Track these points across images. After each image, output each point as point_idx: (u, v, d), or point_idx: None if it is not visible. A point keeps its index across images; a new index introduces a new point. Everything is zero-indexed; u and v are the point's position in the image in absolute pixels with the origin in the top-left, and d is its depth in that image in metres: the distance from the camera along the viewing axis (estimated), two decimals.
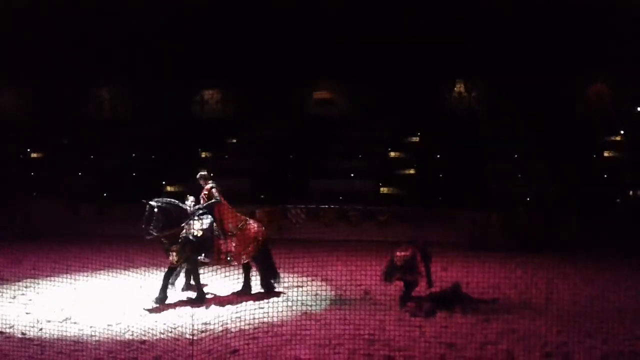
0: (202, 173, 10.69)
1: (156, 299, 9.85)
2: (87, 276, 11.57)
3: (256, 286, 10.78)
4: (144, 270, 11.36)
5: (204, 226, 10.10)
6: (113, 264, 11.61)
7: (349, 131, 22.42)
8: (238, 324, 8.62)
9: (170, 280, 10.75)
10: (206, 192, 10.41)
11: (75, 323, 8.90)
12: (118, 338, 8.21)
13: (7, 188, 19.78)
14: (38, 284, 10.93)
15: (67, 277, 11.39)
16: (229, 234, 10.23)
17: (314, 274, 11.75)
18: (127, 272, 12.29)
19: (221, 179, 20.45)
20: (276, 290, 10.69)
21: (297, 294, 10.40)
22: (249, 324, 8.69)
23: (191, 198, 11.16)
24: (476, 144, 21.27)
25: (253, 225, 10.62)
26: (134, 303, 9.94)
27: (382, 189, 20.12)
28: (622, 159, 20.57)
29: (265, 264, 10.71)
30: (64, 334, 8.34)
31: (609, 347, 7.83)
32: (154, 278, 11.01)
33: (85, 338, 8.19)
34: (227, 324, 8.63)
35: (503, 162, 20.17)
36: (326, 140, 22.44)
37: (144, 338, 8.17)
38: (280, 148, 22.43)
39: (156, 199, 10.18)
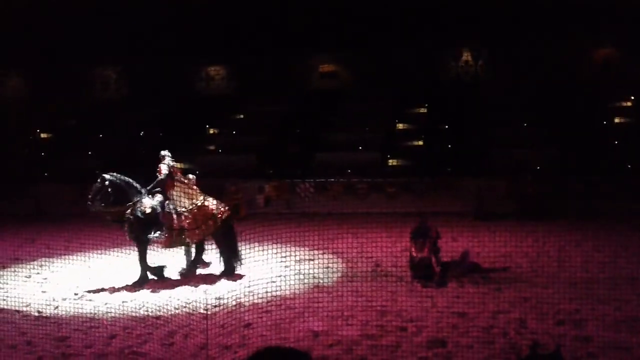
0: (162, 153, 10.54)
1: (140, 279, 9.87)
2: (100, 254, 11.65)
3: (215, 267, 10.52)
4: (155, 248, 11.45)
5: (154, 203, 10.04)
6: (124, 242, 11.69)
7: (354, 104, 22.29)
8: (251, 298, 8.70)
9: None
10: (159, 170, 10.38)
11: (90, 300, 9.03)
12: (133, 314, 8.31)
13: (17, 169, 19.89)
14: (52, 262, 11.05)
15: (80, 256, 11.48)
16: (182, 210, 10.04)
17: (324, 247, 11.78)
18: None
19: (228, 155, 20.74)
20: (236, 272, 10.28)
21: (308, 267, 10.43)
22: (262, 298, 8.76)
23: (192, 176, 11.22)
24: (482, 112, 21.10)
25: (212, 203, 10.35)
26: (148, 279, 10.04)
27: (389, 161, 20.06)
28: (633, 124, 20.35)
29: (224, 245, 10.36)
30: (80, 311, 8.46)
31: (621, 313, 7.85)
32: (166, 255, 11.13)
33: (101, 315, 8.29)
34: (240, 298, 8.70)
35: (509, 129, 20.01)
36: (331, 114, 22.34)
37: (158, 314, 8.26)
38: (285, 123, 22.35)
39: (111, 173, 10.21)
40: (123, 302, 8.81)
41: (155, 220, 9.97)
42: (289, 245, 11.33)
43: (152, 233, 9.97)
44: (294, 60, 23.44)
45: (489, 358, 6.51)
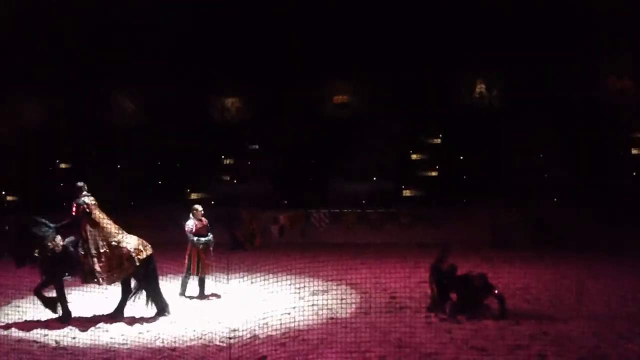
0: (78, 184, 10.09)
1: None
2: (116, 285, 11.68)
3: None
4: (170, 278, 11.46)
5: (65, 242, 9.72)
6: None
7: (368, 133, 22.39)
8: (265, 331, 8.66)
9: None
10: (73, 207, 9.94)
11: (106, 331, 9.01)
12: (149, 345, 8.28)
13: (35, 199, 20.07)
14: (69, 292, 11.05)
15: (97, 286, 11.51)
16: (95, 252, 9.58)
17: (339, 278, 11.78)
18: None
19: (243, 184, 20.91)
20: (165, 315, 9.73)
21: (323, 299, 10.39)
22: (277, 330, 8.72)
23: (199, 207, 11.25)
24: (497, 141, 21.09)
25: (130, 242, 9.80)
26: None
27: (403, 190, 20.08)
28: None
29: (146, 285, 9.86)
30: (96, 342, 8.44)
31: None
32: (179, 285, 11.15)
33: (117, 346, 8.27)
34: (254, 330, 8.67)
35: (526, 158, 19.97)
36: (345, 143, 22.46)
37: (174, 345, 8.23)
38: (300, 152, 22.49)
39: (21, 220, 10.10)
40: (139, 333, 8.80)
41: (67, 259, 9.64)
42: (303, 276, 11.36)
43: (66, 273, 9.72)
44: (307, 91, 23.65)
45: None
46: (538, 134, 20.87)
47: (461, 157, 21.28)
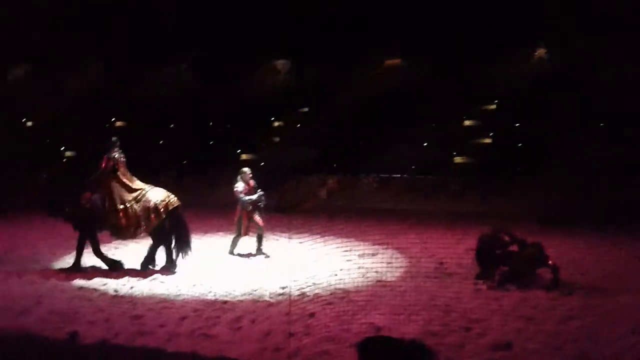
0: (112, 139, 10.46)
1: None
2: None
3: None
4: (222, 235, 11.79)
5: (94, 197, 10.01)
6: (194, 228, 12.08)
7: (421, 99, 22.07)
8: (314, 290, 8.85)
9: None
10: (105, 160, 10.28)
11: (162, 282, 9.39)
12: (202, 298, 8.59)
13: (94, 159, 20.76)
14: (127, 245, 11.50)
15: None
16: (121, 206, 9.92)
17: (387, 242, 11.85)
18: (206, 236, 12.85)
19: (293, 148, 21.05)
20: (177, 266, 10.05)
21: (370, 262, 10.50)
22: (325, 290, 8.90)
23: (247, 170, 11.41)
24: (554, 110, 20.43)
25: (156, 194, 10.09)
26: (215, 265, 10.36)
27: (455, 158, 19.83)
28: None
29: (172, 236, 10.14)
30: (152, 292, 8.82)
31: None
32: (231, 242, 11.44)
33: (172, 297, 8.61)
34: (303, 289, 8.86)
35: (585, 128, 19.28)
36: (398, 109, 22.21)
37: (225, 299, 8.51)
38: (351, 117, 22.39)
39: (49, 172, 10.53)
40: (193, 285, 9.13)
41: (95, 214, 9.98)
42: (351, 240, 11.48)
43: (96, 227, 10.08)
44: (360, 54, 23.37)
45: None
46: (599, 103, 20.06)
47: (517, 125, 20.72)
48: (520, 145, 19.58)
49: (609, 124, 19.73)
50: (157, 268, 10.16)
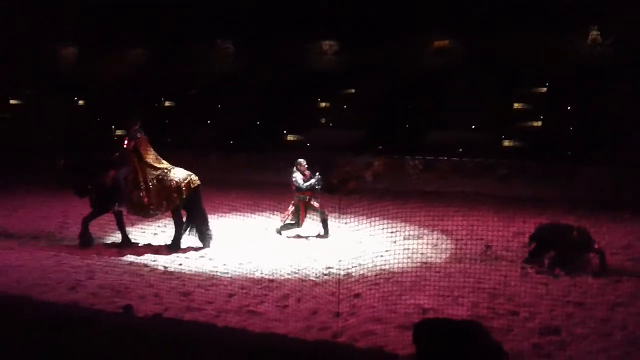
0: (133, 119, 10.63)
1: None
2: (217, 218, 12.31)
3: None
4: (269, 214, 11.94)
5: (116, 175, 10.24)
6: (240, 207, 12.28)
7: (469, 81, 21.66)
8: (359, 271, 8.91)
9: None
10: (127, 140, 10.48)
11: (210, 260, 9.61)
12: (249, 276, 8.76)
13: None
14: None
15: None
16: (143, 185, 10.09)
17: (432, 225, 11.79)
18: (253, 215, 13.02)
19: (339, 129, 21.01)
20: (210, 243, 10.30)
21: (416, 244, 10.47)
22: (370, 271, 8.94)
23: (303, 161, 11.47)
24: (608, 94, 19.77)
25: (178, 174, 10.28)
26: (262, 244, 10.53)
27: (503, 141, 19.44)
28: None
29: (191, 216, 10.34)
30: (201, 269, 9.04)
31: None
32: (279, 221, 11.58)
33: (220, 274, 8.81)
34: (349, 269, 8.92)
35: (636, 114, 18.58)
36: (445, 91, 21.88)
37: (272, 277, 8.65)
38: (397, 98, 22.19)
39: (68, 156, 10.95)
40: (240, 264, 9.31)
41: (117, 192, 10.21)
42: (396, 222, 11.44)
43: (116, 205, 10.28)
44: (406, 36, 23.08)
45: (605, 350, 6.28)
46: None
47: (568, 108, 20.12)
48: (571, 129, 19.02)
49: None
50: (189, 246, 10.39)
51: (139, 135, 10.47)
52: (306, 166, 11.50)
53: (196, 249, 10.22)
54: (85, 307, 6.90)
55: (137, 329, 4.39)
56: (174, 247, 10.23)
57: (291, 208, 11.43)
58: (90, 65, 25.01)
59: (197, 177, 10.45)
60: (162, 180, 10.20)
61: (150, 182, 10.20)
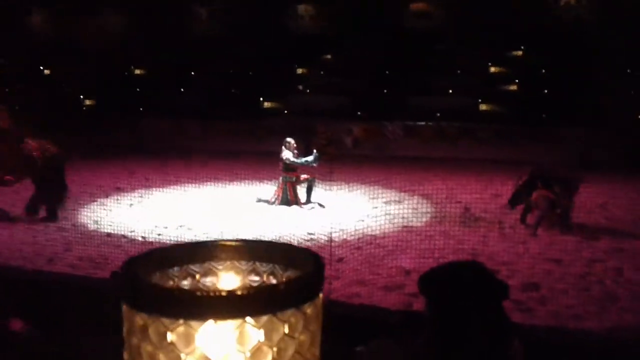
0: None
1: None
2: (196, 187, 12.22)
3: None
4: (248, 183, 11.87)
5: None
6: (219, 176, 12.20)
7: (448, 46, 21.60)
8: (341, 235, 8.91)
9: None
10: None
11: (189, 229, 9.53)
12: None
13: (115, 104, 20.90)
14: (152, 193, 11.67)
15: (178, 188, 12.10)
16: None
17: (413, 189, 11.83)
18: (232, 184, 12.96)
19: (318, 96, 20.87)
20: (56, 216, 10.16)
21: (397, 208, 10.50)
22: (352, 236, 8.96)
23: (291, 140, 11.34)
24: (586, 57, 19.88)
25: (29, 145, 10.19)
26: (241, 212, 10.47)
27: (482, 105, 19.49)
28: None
29: (45, 188, 10.20)
30: (181, 239, 8.95)
31: None
32: (258, 190, 11.54)
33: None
34: (331, 234, 8.92)
35: (614, 75, 18.75)
36: (423, 56, 21.79)
37: None
38: (376, 64, 22.07)
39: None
40: (221, 232, 9.24)
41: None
42: (377, 187, 11.47)
43: None
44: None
45: (584, 304, 6.40)
46: (630, 49, 19.43)
47: (543, 71, 20.21)
48: (547, 92, 19.14)
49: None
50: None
51: None
52: (295, 145, 11.37)
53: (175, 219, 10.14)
54: (70, 274, 6.84)
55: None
56: (28, 212, 10.21)
57: (278, 188, 11.28)
58: (60, 30, 24.28)
59: (55, 147, 10.35)
60: (16, 150, 10.18)
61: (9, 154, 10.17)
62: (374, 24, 22.35)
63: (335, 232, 9.03)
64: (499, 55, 21.41)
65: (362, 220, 9.82)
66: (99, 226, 9.77)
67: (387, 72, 21.60)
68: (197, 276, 1.04)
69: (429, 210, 10.72)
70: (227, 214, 10.35)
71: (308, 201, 11.27)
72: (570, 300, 6.48)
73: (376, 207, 10.66)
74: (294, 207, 11.05)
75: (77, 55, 22.77)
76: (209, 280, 1.05)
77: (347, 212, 10.35)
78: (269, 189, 11.67)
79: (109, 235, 9.35)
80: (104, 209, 10.66)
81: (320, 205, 11.13)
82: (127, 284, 0.93)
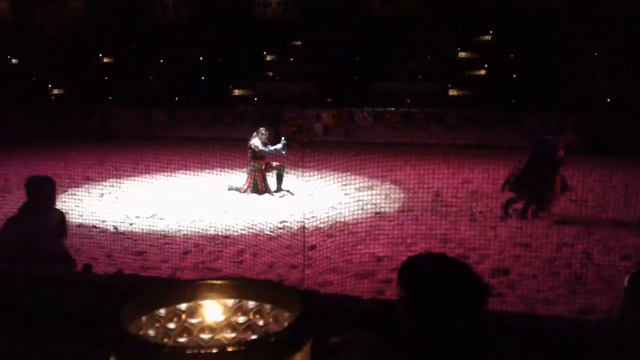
0: None
1: None
2: (167, 176, 12.08)
3: None
4: (219, 171, 11.77)
5: None
6: (190, 164, 12.08)
7: (415, 31, 21.69)
8: (313, 223, 8.94)
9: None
10: None
11: (161, 219, 9.44)
12: (203, 233, 8.67)
13: (82, 93, 20.48)
14: (122, 183, 11.51)
15: (147, 177, 11.97)
16: None
17: (383, 176, 11.91)
18: (202, 172, 12.86)
19: (287, 83, 20.76)
20: None
21: (368, 195, 10.57)
22: (324, 223, 8.99)
23: (264, 130, 11.29)
24: (551, 42, 20.19)
25: None
26: (213, 201, 10.41)
27: (450, 91, 19.66)
28: None
29: None
30: (153, 228, 8.88)
31: None
32: (229, 178, 11.47)
33: (173, 232, 8.69)
34: (302, 222, 8.94)
35: (580, 60, 19.10)
36: (391, 41, 21.84)
37: (226, 233, 8.59)
38: (344, 50, 22.04)
39: None
40: (193, 221, 9.19)
41: None
42: (348, 174, 11.50)
43: None
44: None
45: (553, 288, 6.55)
46: (595, 36, 19.81)
47: (511, 56, 20.44)
48: (515, 77, 19.39)
49: (607, 55, 19.53)
50: None
51: None
52: (266, 135, 11.31)
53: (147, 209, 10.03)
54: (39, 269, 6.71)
55: (101, 285, 4.26)
56: None
57: (248, 177, 11.23)
58: (24, 18, 23.65)
59: None
60: None
61: None
62: (341, 10, 22.32)
63: (307, 219, 9.07)
64: (467, 40, 21.60)
65: (334, 208, 9.86)
66: (69, 217, 9.59)
67: (355, 58, 21.59)
68: (184, 316, 1.04)
69: (399, 196, 10.82)
70: (198, 203, 10.28)
71: (279, 189, 11.26)
72: (539, 284, 6.62)
73: (347, 194, 10.71)
74: (265, 195, 11.04)
75: (42, 43, 22.23)
76: (195, 322, 1.05)
77: (318, 199, 10.36)
78: (240, 176, 11.63)
79: (79, 226, 9.20)
80: (74, 199, 10.47)
81: (291, 193, 11.13)
82: (117, 340, 0.92)
